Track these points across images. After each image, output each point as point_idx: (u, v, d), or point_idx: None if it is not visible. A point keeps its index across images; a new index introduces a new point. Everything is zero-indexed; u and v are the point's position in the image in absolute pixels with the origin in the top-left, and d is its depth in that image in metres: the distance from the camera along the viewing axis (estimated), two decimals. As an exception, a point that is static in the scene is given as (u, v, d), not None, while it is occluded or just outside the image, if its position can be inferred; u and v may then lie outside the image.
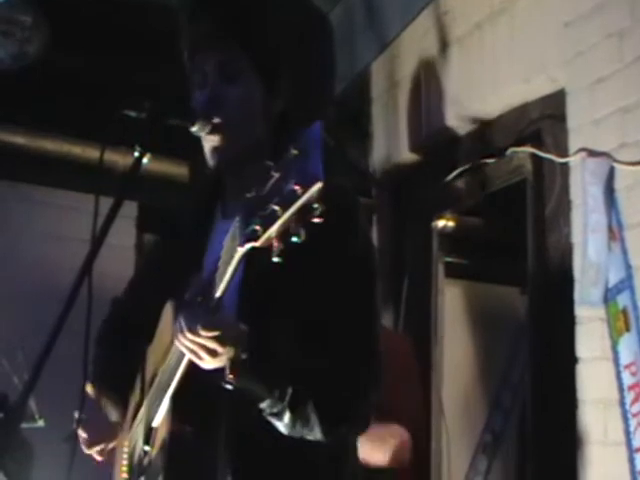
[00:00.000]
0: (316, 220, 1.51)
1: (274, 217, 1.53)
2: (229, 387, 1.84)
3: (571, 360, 3.32)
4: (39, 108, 4.85)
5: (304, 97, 2.13)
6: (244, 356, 1.84)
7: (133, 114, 1.91)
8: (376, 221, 4.91)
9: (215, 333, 1.80)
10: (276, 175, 1.53)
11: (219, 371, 1.85)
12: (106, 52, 4.96)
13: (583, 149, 3.36)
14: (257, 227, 1.56)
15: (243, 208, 1.60)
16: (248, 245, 1.61)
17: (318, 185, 1.48)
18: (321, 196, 1.50)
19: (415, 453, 3.42)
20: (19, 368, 3.44)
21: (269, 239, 1.56)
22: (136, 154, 1.89)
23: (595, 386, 3.25)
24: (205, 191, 2.27)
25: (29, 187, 5.04)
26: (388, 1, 4.71)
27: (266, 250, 1.77)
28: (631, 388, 3.06)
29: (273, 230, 1.55)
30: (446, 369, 4.69)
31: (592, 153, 3.31)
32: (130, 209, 5.03)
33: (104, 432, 2.26)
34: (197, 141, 2.07)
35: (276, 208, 1.52)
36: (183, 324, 1.81)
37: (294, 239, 1.54)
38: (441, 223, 4.70)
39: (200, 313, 1.81)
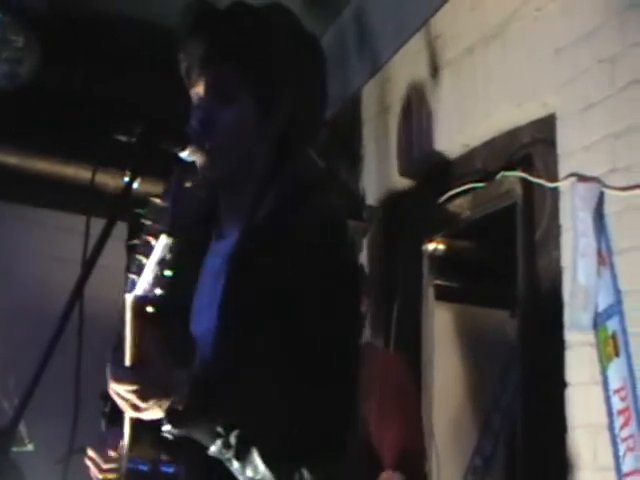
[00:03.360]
0: (167, 273, 1.58)
1: (141, 268, 1.63)
2: (169, 436, 1.81)
3: (560, 384, 3.32)
4: (31, 129, 4.86)
5: (298, 118, 2.12)
6: (179, 407, 1.79)
7: (124, 138, 1.90)
8: (367, 244, 4.92)
9: (132, 387, 1.76)
10: (147, 223, 1.60)
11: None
12: (99, 73, 4.97)
13: (573, 174, 3.37)
14: (134, 276, 1.66)
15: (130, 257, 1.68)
16: (131, 294, 1.68)
17: (163, 238, 1.58)
18: (170, 248, 1.58)
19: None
20: (9, 393, 3.42)
21: (145, 288, 1.63)
22: (126, 179, 1.89)
23: (584, 411, 3.25)
24: (199, 212, 2.26)
25: (24, 207, 5.04)
26: (380, 25, 4.73)
27: (247, 263, 1.80)
28: (620, 413, 3.06)
29: (143, 280, 1.63)
30: (436, 392, 4.69)
31: (582, 178, 3.32)
32: (120, 230, 5.02)
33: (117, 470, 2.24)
34: (187, 162, 2.06)
35: (142, 259, 1.62)
36: (107, 375, 1.80)
37: (158, 292, 1.58)
38: (431, 246, 4.72)
39: (117, 366, 1.78)
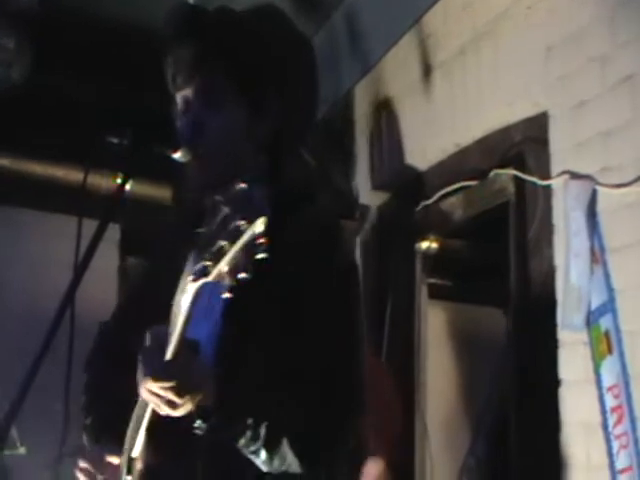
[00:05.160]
0: (261, 256, 1.54)
1: (222, 253, 1.56)
2: (199, 432, 1.82)
3: (554, 383, 3.32)
4: (22, 131, 4.85)
5: (289, 120, 2.12)
6: (211, 403, 1.81)
7: (115, 141, 1.90)
8: (359, 243, 4.91)
9: (169, 384, 1.76)
10: (225, 210, 1.56)
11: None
12: (90, 75, 4.96)
13: (565, 172, 3.37)
14: (208, 263, 1.59)
15: (196, 244, 1.62)
16: (200, 281, 1.64)
17: (261, 220, 1.52)
18: (266, 231, 1.52)
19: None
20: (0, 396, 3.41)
21: (220, 275, 1.59)
22: (119, 181, 1.89)
23: (578, 409, 3.25)
24: (189, 215, 2.26)
25: (14, 210, 5.02)
26: (371, 24, 4.73)
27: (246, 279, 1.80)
28: (614, 410, 3.07)
29: (222, 266, 1.57)
30: (430, 391, 4.69)
31: (574, 176, 3.32)
32: (113, 232, 5.02)
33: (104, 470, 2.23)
34: (180, 164, 2.06)
35: (223, 244, 1.56)
36: (140, 374, 1.80)
37: (242, 275, 1.56)
38: (424, 245, 4.71)
39: (152, 363, 1.79)
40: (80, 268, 1.78)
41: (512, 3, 3.80)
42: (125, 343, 2.18)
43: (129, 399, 2.07)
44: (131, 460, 2.03)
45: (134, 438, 2.00)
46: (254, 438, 1.84)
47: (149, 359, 1.81)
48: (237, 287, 1.71)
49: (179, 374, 1.77)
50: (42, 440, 2.42)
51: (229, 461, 1.93)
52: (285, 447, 1.86)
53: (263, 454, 1.87)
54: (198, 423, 1.81)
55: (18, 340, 3.29)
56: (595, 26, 3.29)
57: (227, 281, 1.58)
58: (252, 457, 1.89)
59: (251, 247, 1.53)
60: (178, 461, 1.98)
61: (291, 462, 1.88)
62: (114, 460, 2.09)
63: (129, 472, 2.04)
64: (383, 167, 4.77)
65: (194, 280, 1.66)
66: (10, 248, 4.97)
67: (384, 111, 4.80)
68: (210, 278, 1.60)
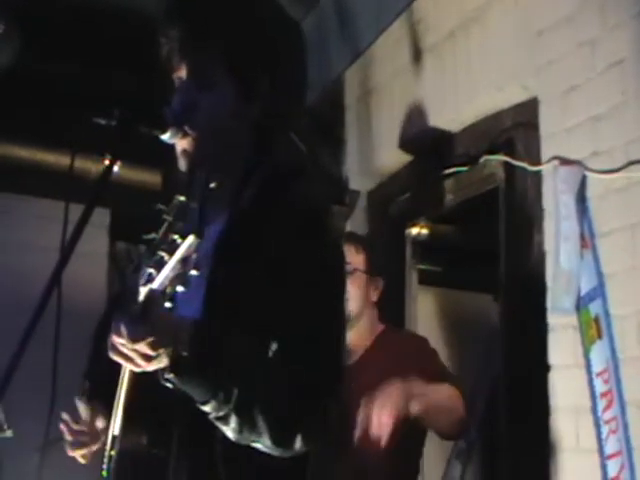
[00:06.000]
0: (193, 272, 1.61)
1: (162, 263, 1.63)
2: (169, 385, 1.79)
3: (543, 367, 3.33)
4: (12, 116, 4.83)
5: (279, 103, 2.13)
6: (184, 354, 1.78)
7: (103, 122, 1.90)
8: (349, 228, 4.91)
9: (146, 340, 1.73)
10: (168, 219, 1.63)
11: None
12: (79, 59, 4.95)
13: (555, 157, 3.37)
14: (152, 270, 1.65)
15: (147, 247, 1.68)
16: (147, 287, 1.68)
17: (191, 238, 1.59)
18: (196, 249, 1.60)
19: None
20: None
21: (163, 283, 1.64)
22: (106, 162, 1.89)
23: (567, 393, 3.26)
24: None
25: (3, 195, 5.01)
26: (361, 9, 4.72)
27: (233, 249, 1.80)
28: (603, 395, 3.07)
29: (162, 276, 1.63)
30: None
31: (564, 161, 3.32)
32: (103, 217, 5.02)
33: (88, 436, 2.23)
34: (170, 149, 2.06)
35: (163, 255, 1.62)
36: (112, 338, 1.77)
37: (179, 288, 1.62)
38: (414, 231, 4.72)
39: (121, 320, 1.74)
40: (67, 250, 1.77)
41: (502, -13, 3.80)
42: None
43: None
44: (114, 437, 2.03)
45: (115, 415, 2.01)
46: (226, 400, 1.81)
47: (119, 323, 1.75)
48: (223, 262, 1.73)
49: (152, 329, 1.74)
50: (30, 423, 2.41)
51: (204, 442, 1.91)
52: (257, 413, 1.83)
53: (233, 420, 1.83)
54: (170, 376, 1.78)
55: (5, 324, 3.28)
56: (585, 10, 3.29)
57: (169, 290, 1.64)
58: (220, 424, 1.85)
59: (187, 261, 1.59)
60: (153, 441, 1.97)
61: (261, 431, 1.84)
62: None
63: (112, 448, 2.04)
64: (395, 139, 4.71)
65: (143, 285, 1.70)
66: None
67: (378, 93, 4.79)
68: (155, 285, 1.65)
